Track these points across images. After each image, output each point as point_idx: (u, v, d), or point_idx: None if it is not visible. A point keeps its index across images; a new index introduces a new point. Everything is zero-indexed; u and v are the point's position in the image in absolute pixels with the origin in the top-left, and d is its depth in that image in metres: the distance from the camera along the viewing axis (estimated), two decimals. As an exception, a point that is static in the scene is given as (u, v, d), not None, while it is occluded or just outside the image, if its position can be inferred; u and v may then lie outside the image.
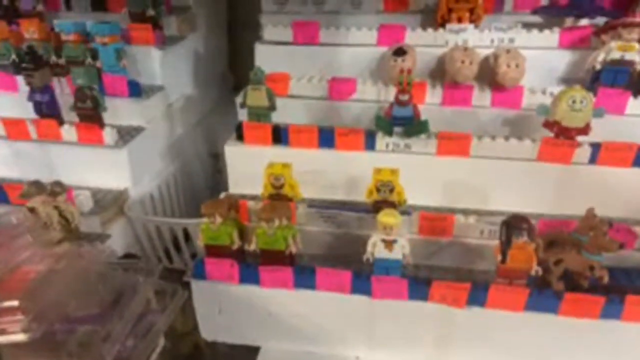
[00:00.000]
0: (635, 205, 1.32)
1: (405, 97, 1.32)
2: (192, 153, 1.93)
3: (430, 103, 1.49)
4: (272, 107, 1.42)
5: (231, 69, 2.35)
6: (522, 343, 1.18)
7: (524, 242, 1.08)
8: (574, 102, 1.22)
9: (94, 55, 1.60)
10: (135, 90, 1.63)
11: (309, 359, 1.31)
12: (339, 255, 1.32)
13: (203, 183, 1.96)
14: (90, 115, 1.48)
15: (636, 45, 1.33)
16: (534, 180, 1.34)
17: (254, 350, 1.34)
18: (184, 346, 1.40)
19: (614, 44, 1.33)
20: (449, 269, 1.28)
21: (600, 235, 1.06)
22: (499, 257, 1.08)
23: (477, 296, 1.14)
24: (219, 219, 1.16)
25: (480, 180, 1.37)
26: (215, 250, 1.22)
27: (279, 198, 1.30)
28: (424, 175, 1.39)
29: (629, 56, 1.33)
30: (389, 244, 1.12)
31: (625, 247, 1.08)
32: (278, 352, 1.33)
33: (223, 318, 1.32)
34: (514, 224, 1.07)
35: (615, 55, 1.34)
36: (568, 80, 1.51)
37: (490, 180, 1.37)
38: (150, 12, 1.68)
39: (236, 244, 1.20)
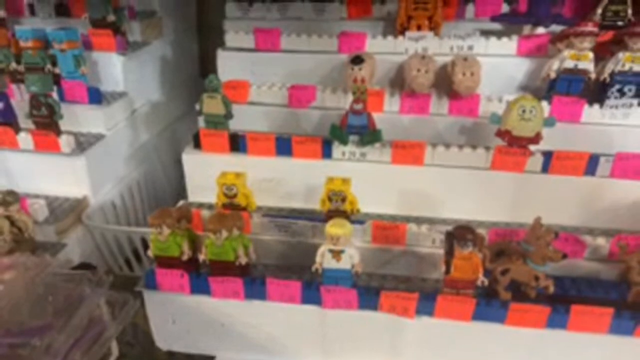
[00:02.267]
0: (587, 214, 1.33)
1: (359, 106, 1.32)
2: (157, 159, 1.91)
3: (389, 111, 1.49)
4: (229, 115, 1.41)
5: (203, 73, 2.33)
6: (472, 352, 1.18)
7: (469, 252, 1.08)
8: (523, 111, 1.22)
9: (54, 62, 1.59)
10: (96, 96, 1.62)
11: (264, 369, 1.30)
12: (294, 264, 1.32)
13: (168, 189, 1.95)
14: (46, 122, 1.47)
15: (589, 54, 1.33)
16: (488, 189, 1.34)
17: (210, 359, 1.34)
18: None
19: (567, 52, 1.34)
20: (402, 278, 1.28)
21: (544, 246, 1.07)
22: (443, 268, 1.08)
23: (426, 306, 1.14)
24: (166, 230, 1.15)
25: (434, 188, 1.38)
26: (166, 261, 1.21)
27: (232, 207, 1.30)
28: (379, 184, 1.39)
29: (582, 65, 1.34)
30: (336, 254, 1.12)
31: (568, 257, 1.08)
32: (232, 362, 1.32)
33: (177, 328, 1.31)
34: (458, 235, 1.07)
35: (569, 64, 1.35)
36: (527, 88, 1.52)
37: (445, 189, 1.37)
38: (111, 17, 1.66)
39: (186, 255, 1.19)
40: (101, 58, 1.70)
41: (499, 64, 1.51)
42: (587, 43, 1.31)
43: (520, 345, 1.15)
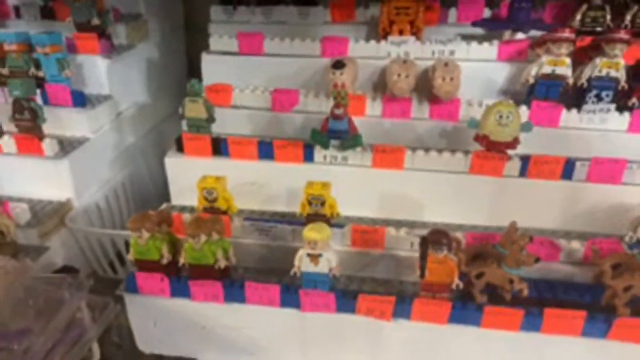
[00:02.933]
0: (565, 218, 1.35)
1: (340, 111, 1.33)
2: (143, 161, 1.92)
3: (371, 115, 1.50)
4: (211, 119, 1.42)
5: (191, 75, 2.33)
6: (448, 355, 1.20)
7: (444, 256, 1.09)
8: (500, 117, 1.24)
9: (38, 65, 1.59)
10: (80, 100, 1.62)
11: (245, 371, 1.31)
12: (275, 268, 1.33)
13: (154, 192, 1.95)
14: (29, 126, 1.47)
15: (566, 60, 1.35)
16: (467, 193, 1.36)
17: (186, 363, 1.35)
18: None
19: (544, 58, 1.36)
20: (381, 281, 1.29)
21: (518, 250, 1.08)
22: (418, 272, 1.09)
23: (403, 309, 1.16)
24: (145, 234, 1.16)
25: (415, 192, 1.39)
26: (146, 264, 1.22)
27: (213, 211, 1.31)
28: (360, 187, 1.41)
29: (559, 70, 1.36)
30: (314, 258, 1.13)
31: (541, 260, 1.09)
32: (214, 365, 1.33)
33: (158, 330, 1.32)
34: (432, 239, 1.08)
35: (547, 69, 1.36)
36: (507, 93, 1.54)
37: (425, 192, 1.39)
38: (96, 21, 1.67)
39: (166, 259, 1.20)
40: (86, 61, 1.71)
41: (480, 68, 1.52)
42: (564, 49, 1.33)
43: (496, 347, 1.17)
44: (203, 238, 1.14)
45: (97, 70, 1.72)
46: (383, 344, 1.21)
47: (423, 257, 1.08)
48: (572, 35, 1.32)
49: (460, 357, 1.20)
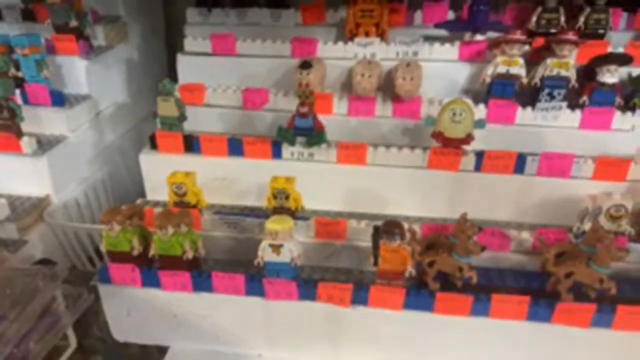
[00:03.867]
0: (518, 210, 1.42)
1: (304, 109, 1.39)
2: (122, 159, 1.97)
3: (338, 113, 1.57)
4: (182, 117, 1.48)
5: (171, 76, 2.38)
6: (405, 339, 1.27)
7: (397, 245, 1.16)
8: (454, 114, 1.31)
9: (18, 66, 1.65)
10: (58, 99, 1.68)
11: (215, 358, 1.37)
12: (243, 259, 1.39)
13: (133, 188, 2.00)
14: (8, 125, 1.52)
15: (519, 60, 1.42)
16: (426, 187, 1.43)
17: (164, 350, 1.41)
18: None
19: (499, 58, 1.43)
20: (343, 270, 1.36)
21: (466, 239, 1.15)
22: (372, 260, 1.16)
23: (360, 296, 1.22)
24: (116, 227, 1.22)
25: (377, 186, 1.46)
26: (119, 256, 1.28)
27: (182, 205, 1.37)
28: (326, 182, 1.47)
29: (513, 70, 1.43)
30: (276, 248, 1.20)
31: (487, 249, 1.17)
32: (186, 352, 1.39)
33: (132, 320, 1.38)
34: (386, 229, 1.15)
35: (502, 69, 1.43)
36: (469, 92, 1.61)
37: (387, 187, 1.45)
38: (74, 23, 1.72)
39: (136, 250, 1.26)
40: (65, 62, 1.76)
41: (442, 68, 1.59)
42: (516, 50, 1.40)
43: (449, 332, 1.23)
44: (171, 230, 1.21)
45: (76, 70, 1.77)
46: (343, 329, 1.28)
47: (375, 246, 1.15)
48: (523, 37, 1.39)
49: (415, 341, 1.26)
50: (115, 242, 1.25)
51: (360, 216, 1.45)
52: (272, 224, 1.17)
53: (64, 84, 1.78)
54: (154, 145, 1.54)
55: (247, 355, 1.37)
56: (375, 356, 1.30)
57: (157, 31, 2.29)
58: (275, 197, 1.32)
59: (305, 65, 1.50)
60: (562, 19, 1.54)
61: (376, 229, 1.16)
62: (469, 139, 1.34)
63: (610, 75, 1.39)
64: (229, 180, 1.52)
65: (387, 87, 1.56)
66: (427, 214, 1.46)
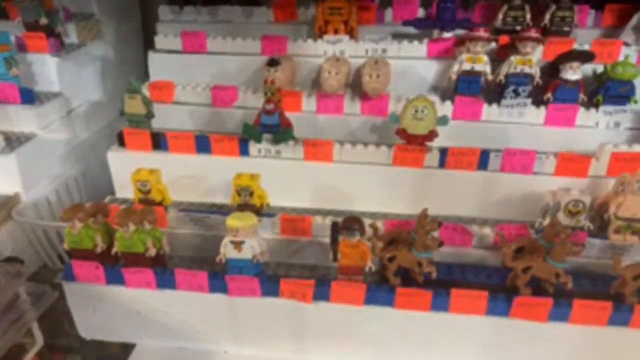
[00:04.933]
0: (482, 206, 1.43)
1: (270, 106, 1.40)
2: (96, 157, 1.97)
3: (307, 111, 1.58)
4: (150, 115, 1.48)
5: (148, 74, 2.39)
6: (366, 334, 1.27)
7: (357, 241, 1.17)
8: (416, 111, 1.32)
9: (-13, 64, 1.64)
10: (28, 97, 1.67)
11: (181, 355, 1.38)
12: (209, 256, 1.38)
13: (107, 186, 2.00)
14: (-25, 122, 1.52)
15: (483, 57, 1.43)
16: (392, 183, 1.44)
17: (131, 347, 1.41)
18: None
19: (464, 56, 1.44)
20: (308, 267, 1.36)
21: (424, 235, 1.16)
22: (331, 256, 1.17)
23: (322, 292, 1.23)
24: (78, 224, 1.22)
25: (344, 183, 1.47)
26: (82, 253, 1.28)
27: (147, 203, 1.37)
28: (294, 179, 1.48)
29: (477, 67, 1.44)
30: (237, 245, 1.20)
31: (444, 244, 1.18)
32: (152, 349, 1.39)
33: (98, 317, 1.38)
34: (345, 225, 1.16)
35: (466, 66, 1.44)
36: (437, 89, 1.62)
37: (353, 183, 1.46)
38: (44, 20, 1.72)
39: (100, 247, 1.26)
40: (35, 59, 1.76)
41: (410, 65, 1.60)
42: (480, 47, 1.41)
43: (410, 327, 1.24)
44: (132, 227, 1.21)
45: (46, 68, 1.77)
46: (306, 325, 1.29)
47: (334, 241, 1.16)
48: (486, 35, 1.40)
49: (377, 336, 1.27)
50: (77, 240, 1.25)
51: (327, 213, 1.46)
52: (232, 221, 1.18)
53: (34, 82, 1.78)
54: (122, 143, 1.54)
55: (213, 352, 1.38)
56: (339, 351, 1.31)
57: (133, 29, 2.29)
58: (239, 194, 1.32)
59: (273, 62, 1.51)
60: (528, 16, 1.55)
61: (334, 225, 1.16)
62: (432, 135, 1.35)
63: (573, 72, 1.41)
64: (196, 177, 1.51)
65: (357, 85, 1.57)
66: (393, 210, 1.46)
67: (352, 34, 1.62)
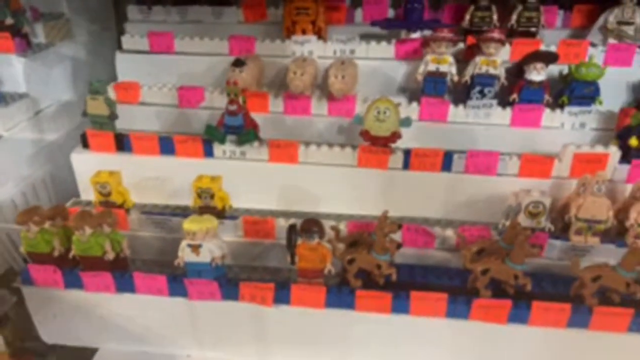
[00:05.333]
0: (447, 207, 1.43)
1: (233, 107, 1.38)
2: (66, 158, 1.94)
3: (274, 112, 1.56)
4: (113, 116, 1.46)
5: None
6: (328, 337, 1.26)
7: (316, 243, 1.16)
8: (378, 112, 1.31)
9: (-51, 65, 1.61)
10: (-8, 98, 1.65)
11: (144, 359, 1.36)
12: (172, 259, 1.37)
13: (77, 189, 1.98)
14: None
15: (448, 58, 1.43)
16: (357, 185, 1.43)
17: (93, 352, 1.39)
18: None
19: (429, 56, 1.43)
20: (271, 269, 1.35)
21: (382, 236, 1.15)
22: (288, 259, 1.16)
23: (282, 295, 1.22)
24: (33, 227, 1.20)
25: (310, 185, 1.46)
26: (39, 257, 1.26)
27: (108, 205, 1.36)
28: (259, 181, 1.47)
29: (442, 68, 1.43)
30: (195, 248, 1.19)
31: (402, 246, 1.17)
32: (114, 353, 1.38)
33: (59, 321, 1.36)
34: (304, 227, 1.15)
35: (432, 67, 1.44)
36: (406, 90, 1.61)
37: (319, 185, 1.45)
38: (9, 20, 1.69)
39: (57, 251, 1.24)
40: (0, 60, 1.73)
41: (379, 66, 1.59)
42: (444, 48, 1.40)
43: (371, 329, 1.24)
44: (88, 230, 1.19)
45: (12, 69, 1.74)
46: (267, 329, 1.28)
47: (290, 244, 1.15)
48: (449, 35, 1.40)
49: (339, 339, 1.26)
50: (34, 243, 1.23)
51: (293, 215, 1.44)
52: (188, 224, 1.16)
53: (0, 83, 1.75)
54: (85, 145, 1.52)
55: (176, 356, 1.36)
56: (301, 354, 1.30)
57: (107, 29, 2.26)
58: (199, 196, 1.31)
59: (238, 63, 1.49)
60: (495, 17, 1.55)
61: (291, 227, 1.15)
62: (394, 137, 1.34)
63: (537, 73, 1.40)
64: (161, 179, 1.50)
65: (325, 86, 1.56)
66: (359, 212, 1.46)
67: (320, 34, 1.61)
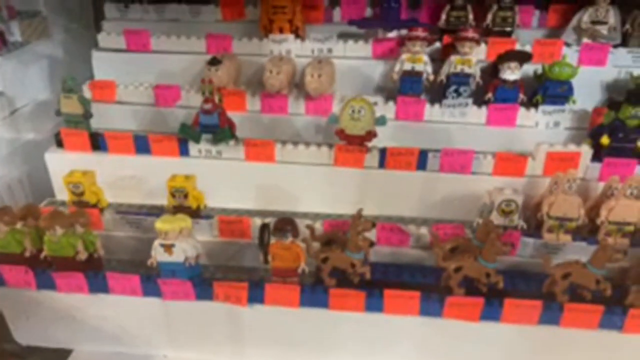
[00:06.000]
0: (423, 206, 1.44)
1: (208, 106, 1.38)
2: (43, 158, 1.92)
3: (251, 110, 1.56)
4: (87, 115, 1.45)
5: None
6: (302, 336, 1.27)
7: (290, 242, 1.16)
8: (353, 111, 1.31)
9: None
10: (-34, 97, 1.62)
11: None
12: (146, 259, 1.36)
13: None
14: None
15: (423, 57, 1.43)
16: (333, 184, 1.43)
17: (68, 353, 1.38)
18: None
19: (404, 56, 1.44)
20: (247, 269, 1.35)
21: (355, 235, 1.16)
22: (261, 258, 1.15)
23: (257, 294, 1.22)
24: (3, 227, 1.19)
25: (287, 184, 1.46)
26: (10, 258, 1.24)
27: (81, 205, 1.34)
28: (235, 180, 1.47)
29: (417, 67, 1.44)
30: (167, 248, 1.18)
31: (375, 245, 1.18)
32: (89, 354, 1.37)
33: (32, 323, 1.34)
34: (277, 227, 1.15)
35: (407, 66, 1.44)
36: (383, 89, 1.62)
37: (296, 184, 1.45)
38: (-16, 18, 1.67)
39: (28, 251, 1.23)
40: (-25, 58, 1.71)
41: (356, 66, 1.60)
42: (419, 47, 1.41)
43: (345, 328, 1.24)
44: (60, 230, 1.18)
45: (-15, 67, 1.72)
46: (242, 328, 1.27)
47: (262, 243, 1.14)
48: (424, 34, 1.40)
49: (314, 338, 1.26)
50: (4, 244, 1.22)
51: (270, 214, 1.44)
52: (160, 224, 1.16)
53: (-26, 81, 1.73)
54: (60, 144, 1.50)
55: (153, 356, 1.35)
56: (276, 352, 1.30)
57: (85, 28, 2.23)
58: (173, 195, 1.30)
59: (214, 62, 1.49)
60: (470, 16, 1.55)
61: (264, 226, 1.15)
62: (370, 136, 1.34)
63: (511, 72, 1.42)
64: (137, 178, 1.49)
65: (302, 85, 1.56)
66: (336, 211, 1.46)
67: (297, 33, 1.61)
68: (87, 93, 1.62)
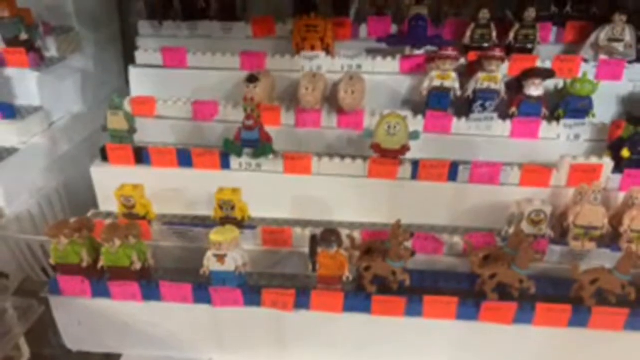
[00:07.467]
0: (453, 215, 1.51)
1: (250, 122, 1.45)
2: (78, 169, 1.98)
3: (286, 125, 1.63)
4: (132, 130, 1.52)
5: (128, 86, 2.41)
6: (345, 339, 1.34)
7: (335, 252, 1.23)
8: (389, 127, 1.39)
9: (-34, 80, 1.65)
10: (8, 112, 1.69)
11: (167, 364, 1.42)
12: (192, 268, 1.43)
13: (90, 198, 2.02)
14: (-44, 139, 1.53)
15: (452, 74, 1.51)
16: (367, 195, 1.51)
17: (117, 358, 1.45)
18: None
19: (434, 73, 1.52)
20: (289, 276, 1.42)
21: (397, 245, 1.23)
22: (310, 267, 1.23)
23: (303, 300, 1.29)
24: (64, 240, 1.25)
25: (322, 195, 1.53)
26: (68, 268, 1.31)
27: (132, 217, 1.41)
28: (274, 192, 1.54)
29: (447, 84, 1.52)
30: (220, 258, 1.25)
31: (416, 254, 1.26)
32: (138, 358, 1.43)
33: (83, 329, 1.41)
34: (324, 237, 1.22)
35: (436, 83, 1.52)
36: (410, 103, 1.70)
37: (331, 195, 1.53)
38: (24, 36, 1.73)
39: (85, 262, 1.30)
40: (15, 74, 1.77)
41: (384, 81, 1.68)
42: (448, 65, 1.49)
43: (386, 332, 1.32)
44: (117, 242, 1.25)
45: (27, 82, 1.79)
46: (288, 333, 1.35)
47: (313, 253, 1.22)
48: (454, 53, 1.48)
49: (356, 341, 1.34)
50: (63, 255, 1.28)
51: (306, 223, 1.52)
52: (215, 236, 1.23)
53: (14, 96, 1.80)
54: (104, 158, 1.57)
55: (199, 360, 1.43)
56: (318, 356, 1.37)
57: (113, 42, 2.31)
58: (221, 207, 1.38)
59: (252, 79, 1.56)
60: (494, 34, 1.64)
61: (313, 238, 1.23)
62: (404, 149, 1.42)
63: (535, 89, 1.50)
64: (179, 191, 1.56)
65: (333, 99, 1.63)
66: (369, 220, 1.53)
67: (328, 50, 1.69)
68: (127, 108, 1.68)
